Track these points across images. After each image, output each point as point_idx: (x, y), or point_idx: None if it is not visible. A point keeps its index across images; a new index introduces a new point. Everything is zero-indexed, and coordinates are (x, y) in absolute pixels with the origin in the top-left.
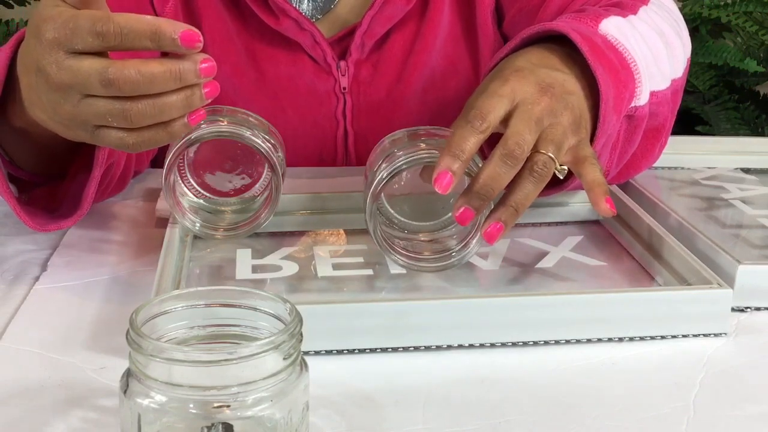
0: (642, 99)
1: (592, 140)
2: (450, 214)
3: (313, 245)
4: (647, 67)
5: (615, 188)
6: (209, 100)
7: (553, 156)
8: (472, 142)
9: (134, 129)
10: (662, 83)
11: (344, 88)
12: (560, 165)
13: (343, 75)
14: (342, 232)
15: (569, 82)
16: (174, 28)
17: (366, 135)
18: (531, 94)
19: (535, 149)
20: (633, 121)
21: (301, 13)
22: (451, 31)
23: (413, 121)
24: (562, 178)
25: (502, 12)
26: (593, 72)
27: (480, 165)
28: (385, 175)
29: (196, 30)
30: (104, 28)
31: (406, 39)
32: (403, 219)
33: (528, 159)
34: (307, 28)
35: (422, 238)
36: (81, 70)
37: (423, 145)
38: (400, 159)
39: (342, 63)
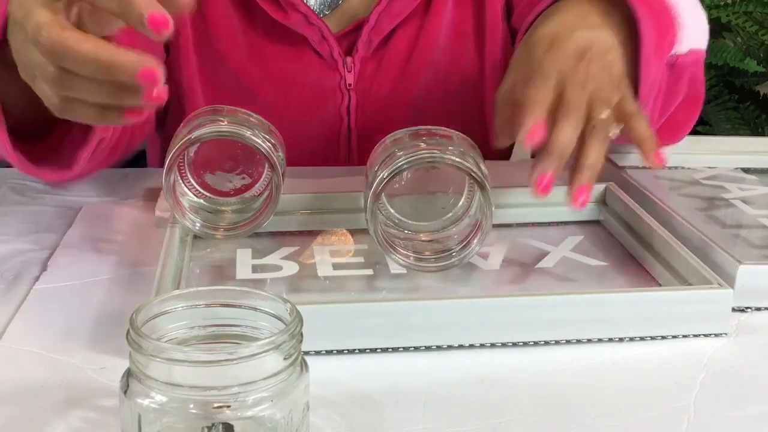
0: (683, 47)
1: (635, 92)
2: (451, 214)
3: (313, 245)
4: (685, 20)
5: (615, 187)
6: (151, 106)
7: (605, 117)
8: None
9: (62, 91)
10: (698, 43)
11: (349, 85)
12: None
13: (349, 71)
14: (342, 231)
15: (606, 39)
16: (146, 4)
17: (369, 132)
18: (572, 65)
19: (589, 114)
20: (675, 70)
21: (309, 8)
22: (456, 28)
23: (417, 118)
24: (614, 137)
25: (512, 5)
26: (634, 12)
27: (483, 167)
28: (386, 174)
29: (169, 16)
30: None
31: (410, 35)
32: (403, 219)
33: (585, 125)
34: (315, 23)
35: (423, 238)
36: (32, 17)
37: (423, 145)
38: (401, 159)
39: (348, 59)
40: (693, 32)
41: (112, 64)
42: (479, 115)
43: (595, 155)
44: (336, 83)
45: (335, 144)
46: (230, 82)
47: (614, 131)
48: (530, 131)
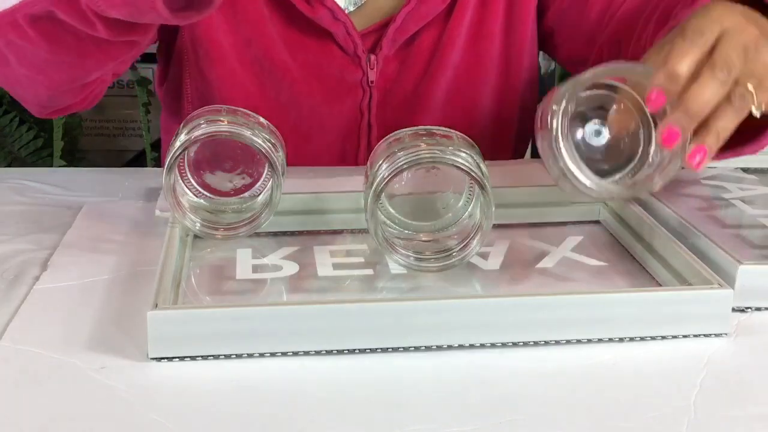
0: None
1: None
2: (451, 214)
3: (313, 245)
4: None
5: None
6: None
7: (752, 90)
8: (690, 58)
9: None
10: None
11: (371, 82)
12: (758, 103)
13: (371, 68)
14: (342, 231)
15: None
16: None
17: (389, 129)
18: (738, 23)
19: (735, 81)
20: None
21: (336, 3)
22: (481, 28)
23: (437, 118)
24: (758, 116)
25: (545, 5)
26: None
27: (483, 167)
28: (386, 174)
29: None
30: None
31: (433, 36)
32: (403, 219)
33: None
34: (341, 19)
35: (423, 238)
36: None
37: (424, 145)
38: (401, 159)
39: (372, 56)
40: None
41: None
42: (499, 116)
43: (725, 124)
44: (358, 79)
45: (355, 139)
46: (255, 68)
47: (757, 109)
48: (653, 94)
